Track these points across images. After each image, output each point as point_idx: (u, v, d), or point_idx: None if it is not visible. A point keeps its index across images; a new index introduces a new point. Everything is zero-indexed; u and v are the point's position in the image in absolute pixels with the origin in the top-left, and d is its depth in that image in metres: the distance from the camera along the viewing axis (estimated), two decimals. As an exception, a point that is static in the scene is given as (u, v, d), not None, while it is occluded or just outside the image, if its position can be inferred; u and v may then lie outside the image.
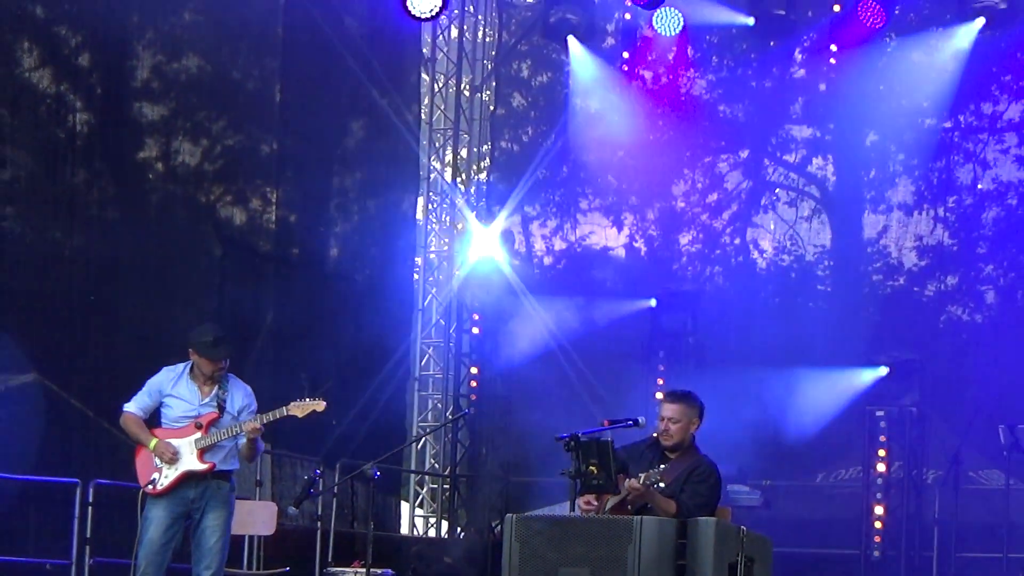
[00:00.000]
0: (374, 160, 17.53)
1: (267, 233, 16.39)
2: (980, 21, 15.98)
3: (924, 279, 18.23)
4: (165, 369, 10.22)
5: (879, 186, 18.52)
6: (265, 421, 9.98)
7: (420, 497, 18.43)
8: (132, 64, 15.13)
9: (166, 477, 9.94)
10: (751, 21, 16.63)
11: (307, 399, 10.07)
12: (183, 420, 10.01)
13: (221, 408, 10.02)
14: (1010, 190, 17.53)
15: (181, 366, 10.16)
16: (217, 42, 15.83)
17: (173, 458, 9.91)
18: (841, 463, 17.01)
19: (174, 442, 9.96)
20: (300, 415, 10.02)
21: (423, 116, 18.27)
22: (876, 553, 15.09)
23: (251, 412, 10.11)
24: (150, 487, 9.99)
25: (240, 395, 10.14)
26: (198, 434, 9.93)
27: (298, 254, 16.73)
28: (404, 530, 17.98)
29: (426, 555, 15.61)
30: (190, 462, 9.93)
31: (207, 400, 10.04)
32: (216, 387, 10.05)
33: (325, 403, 10.10)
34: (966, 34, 16.70)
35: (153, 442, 9.97)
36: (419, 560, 15.30)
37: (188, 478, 9.94)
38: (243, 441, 10.05)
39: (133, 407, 10.15)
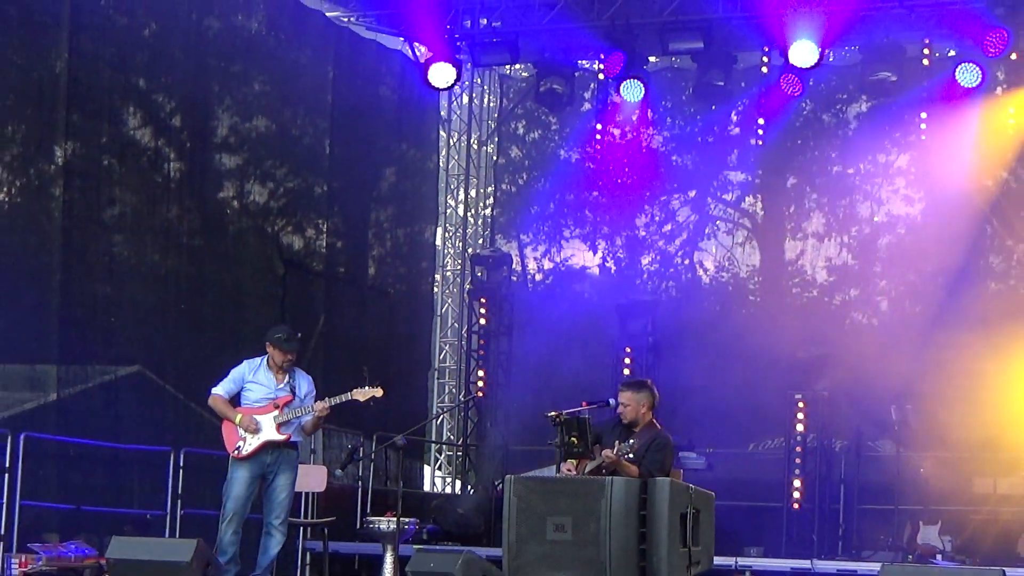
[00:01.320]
0: (403, 198, 17.54)
1: (319, 256, 16.38)
2: (875, 90, 16.02)
3: (832, 291, 18.23)
4: (246, 361, 10.26)
5: (797, 219, 18.52)
6: (333, 403, 10.01)
7: (439, 462, 18.43)
8: (214, 124, 15.13)
9: (250, 444, 9.97)
10: (698, 90, 16.66)
11: (367, 387, 10.06)
12: (263, 401, 10.06)
13: (293, 392, 10.06)
14: (899, 222, 17.54)
15: (259, 359, 10.21)
16: (280, 107, 15.85)
17: (256, 430, 9.94)
18: (768, 435, 17.00)
19: (257, 418, 9.98)
20: (362, 399, 10.06)
21: (441, 164, 18.27)
22: (795, 505, 15.06)
23: (313, 396, 10.17)
24: (236, 452, 10.01)
25: (304, 383, 10.21)
26: (276, 412, 9.98)
27: (343, 272, 16.73)
28: (426, 487, 17.98)
29: (443, 507, 15.56)
30: (270, 433, 9.97)
31: (282, 386, 10.10)
32: (287, 376, 10.10)
33: (383, 390, 10.10)
34: (865, 100, 16.74)
35: (239, 417, 10.01)
36: (438, 511, 15.27)
37: (267, 446, 9.98)
38: (307, 419, 10.08)
39: (220, 390, 10.20)
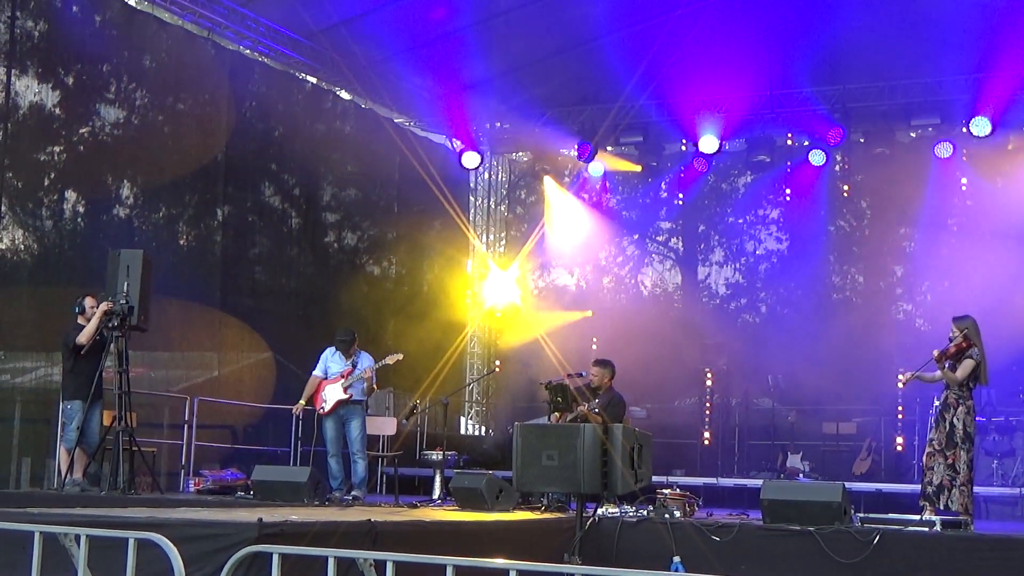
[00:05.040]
0: (446, 241, 17.46)
1: (391, 279, 16.34)
2: (756, 167, 16.02)
3: (729, 300, 18.05)
4: (327, 350, 10.30)
5: (706, 252, 18.34)
6: (376, 367, 10.11)
7: (471, 414, 18.31)
8: (321, 193, 15.14)
9: (328, 404, 9.99)
10: (639, 168, 16.71)
11: (394, 354, 10.08)
12: (336, 374, 10.10)
13: (354, 366, 10.08)
14: (773, 254, 17.36)
15: (333, 348, 10.25)
16: (364, 181, 15.84)
17: (331, 394, 9.95)
18: (687, 395, 16.84)
19: (332, 385, 10.00)
20: (391, 363, 10.15)
21: (470, 218, 18.22)
22: (705, 442, 15.01)
23: (370, 367, 10.15)
24: (321, 410, 10.05)
25: (364, 359, 10.22)
26: (343, 380, 9.98)
27: (406, 290, 16.68)
28: (463, 431, 17.88)
29: (474, 444, 15.50)
30: (339, 395, 9.99)
31: (347, 363, 10.11)
32: (352, 356, 10.12)
33: (402, 355, 10.09)
34: (750, 174, 16.66)
35: (322, 386, 10.03)
36: (470, 447, 15.20)
37: (339, 403, 9.96)
38: (364, 383, 10.13)
39: (316, 372, 10.23)
